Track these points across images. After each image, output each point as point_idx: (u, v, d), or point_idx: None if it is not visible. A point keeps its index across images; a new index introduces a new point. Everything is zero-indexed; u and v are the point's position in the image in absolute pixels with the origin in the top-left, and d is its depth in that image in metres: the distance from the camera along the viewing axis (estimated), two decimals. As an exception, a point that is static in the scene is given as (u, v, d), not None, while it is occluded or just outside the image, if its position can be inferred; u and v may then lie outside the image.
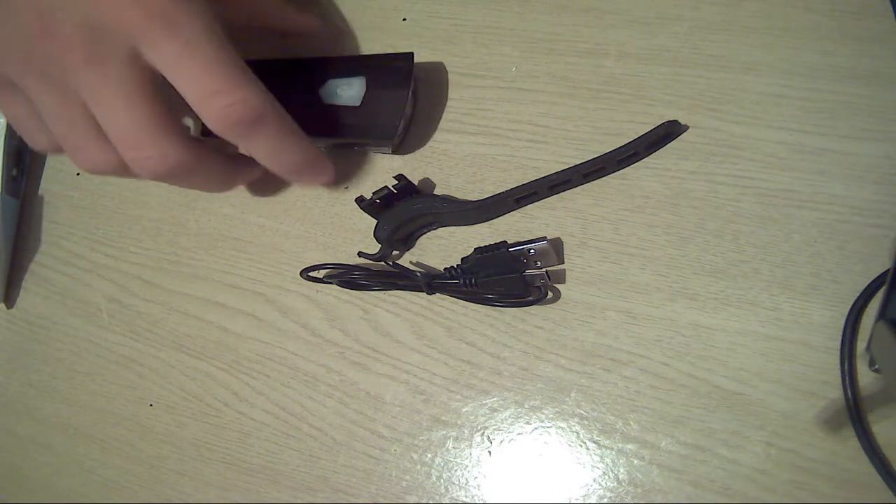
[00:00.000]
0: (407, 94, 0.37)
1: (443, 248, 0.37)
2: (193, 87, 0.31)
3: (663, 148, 0.35)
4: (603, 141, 0.36)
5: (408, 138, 0.39)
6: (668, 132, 0.34)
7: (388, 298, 0.38)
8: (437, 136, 0.39)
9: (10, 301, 0.46)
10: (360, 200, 0.36)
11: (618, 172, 0.36)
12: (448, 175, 0.38)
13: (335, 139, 0.39)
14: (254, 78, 0.32)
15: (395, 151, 0.39)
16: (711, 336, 0.32)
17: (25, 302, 0.45)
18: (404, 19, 0.42)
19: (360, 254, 0.37)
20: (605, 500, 0.32)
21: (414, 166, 0.39)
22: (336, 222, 0.40)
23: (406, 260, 0.38)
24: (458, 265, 0.35)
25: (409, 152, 0.39)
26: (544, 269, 0.34)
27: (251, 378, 0.39)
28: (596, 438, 0.33)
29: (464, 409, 0.35)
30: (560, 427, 0.33)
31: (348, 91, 0.38)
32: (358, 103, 0.38)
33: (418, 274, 0.35)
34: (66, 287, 0.44)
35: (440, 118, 0.39)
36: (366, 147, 0.39)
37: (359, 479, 0.36)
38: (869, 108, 0.33)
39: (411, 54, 0.38)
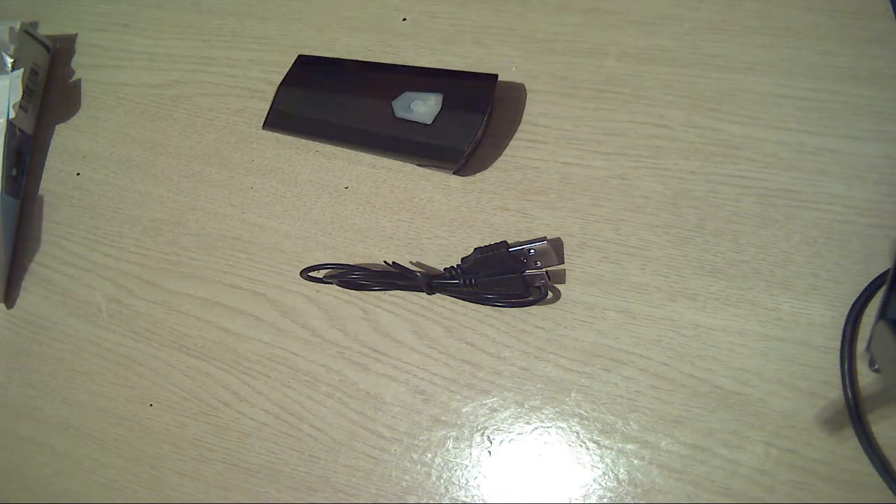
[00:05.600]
0: (482, 119, 0.36)
1: (443, 247, 0.37)
2: None
3: (663, 148, 0.35)
4: (603, 141, 0.36)
5: (473, 161, 0.38)
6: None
7: (388, 298, 0.38)
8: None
9: (10, 301, 0.46)
10: None
11: (618, 173, 0.36)
12: (446, 175, 0.38)
13: (400, 159, 0.39)
14: None
15: (458, 173, 0.38)
16: (711, 336, 0.32)
17: (25, 302, 0.45)
18: (404, 19, 0.42)
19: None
20: (605, 500, 0.32)
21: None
22: (336, 222, 0.40)
23: (406, 260, 0.38)
24: (458, 265, 0.35)
25: (472, 174, 0.38)
26: (544, 269, 0.34)
27: (251, 378, 0.39)
28: (596, 438, 0.33)
29: (464, 409, 0.35)
30: (560, 427, 0.33)
31: (422, 108, 0.37)
32: (430, 121, 0.36)
33: (418, 274, 0.35)
34: (66, 287, 0.44)
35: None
36: (427, 166, 0.39)
37: (359, 479, 0.36)
38: (869, 108, 0.33)
39: (495, 77, 0.37)
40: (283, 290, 0.40)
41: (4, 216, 0.45)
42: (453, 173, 0.38)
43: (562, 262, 0.35)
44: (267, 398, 0.38)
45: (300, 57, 0.42)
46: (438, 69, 0.40)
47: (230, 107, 0.44)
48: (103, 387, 0.42)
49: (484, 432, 0.35)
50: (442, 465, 0.35)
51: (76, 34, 0.51)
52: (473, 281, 0.34)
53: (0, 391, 0.44)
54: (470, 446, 0.35)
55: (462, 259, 0.36)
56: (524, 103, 0.38)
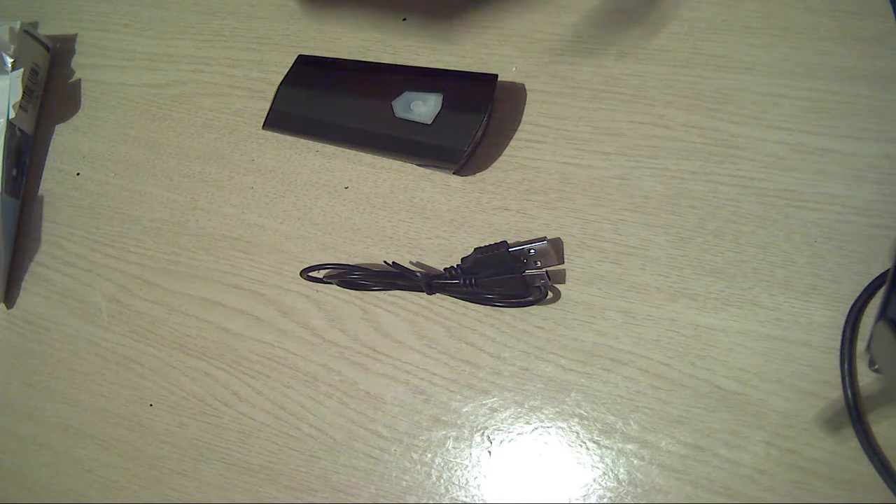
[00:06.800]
0: (482, 119, 0.36)
1: (443, 248, 0.37)
2: None
3: (663, 148, 0.35)
4: (603, 141, 0.36)
5: (473, 161, 0.38)
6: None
7: (388, 298, 0.38)
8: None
9: (10, 301, 0.46)
10: None
11: (618, 173, 0.36)
12: (446, 175, 0.38)
13: (400, 159, 0.39)
14: None
15: (458, 173, 0.38)
16: (712, 336, 0.32)
17: (25, 302, 0.45)
18: (404, 19, 0.42)
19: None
20: (605, 500, 0.32)
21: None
22: (336, 222, 0.40)
23: (406, 260, 0.38)
24: (458, 265, 0.35)
25: (472, 174, 0.38)
26: (544, 269, 0.34)
27: (251, 378, 0.39)
28: (596, 438, 0.33)
29: (464, 409, 0.35)
30: (560, 427, 0.33)
31: (422, 107, 0.36)
32: (430, 121, 0.36)
33: (418, 274, 0.35)
34: (66, 287, 0.44)
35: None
36: (427, 166, 0.39)
37: (359, 479, 0.36)
38: (869, 108, 0.33)
39: (495, 77, 0.37)
40: (283, 290, 0.40)
41: (4, 216, 0.45)
42: (453, 173, 0.38)
43: (562, 262, 0.35)
44: (267, 398, 0.38)
45: (300, 57, 0.42)
46: (438, 69, 0.40)
47: (230, 107, 0.44)
48: (103, 387, 0.42)
49: (484, 432, 0.35)
50: (442, 465, 0.35)
51: (76, 34, 0.51)
52: (473, 281, 0.34)
53: (0, 391, 0.44)
54: (470, 446, 0.35)
55: (462, 259, 0.36)
56: (524, 103, 0.38)
